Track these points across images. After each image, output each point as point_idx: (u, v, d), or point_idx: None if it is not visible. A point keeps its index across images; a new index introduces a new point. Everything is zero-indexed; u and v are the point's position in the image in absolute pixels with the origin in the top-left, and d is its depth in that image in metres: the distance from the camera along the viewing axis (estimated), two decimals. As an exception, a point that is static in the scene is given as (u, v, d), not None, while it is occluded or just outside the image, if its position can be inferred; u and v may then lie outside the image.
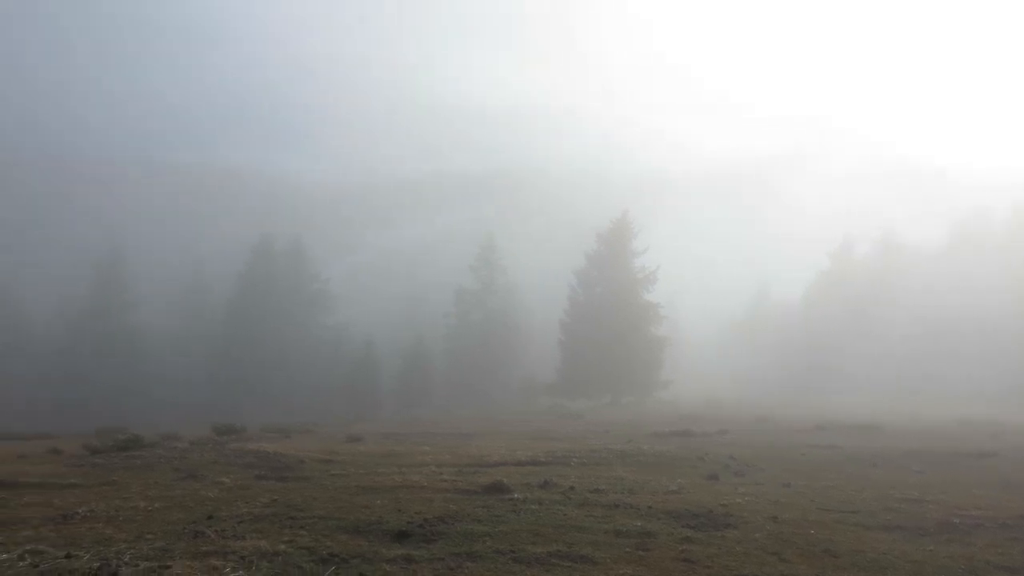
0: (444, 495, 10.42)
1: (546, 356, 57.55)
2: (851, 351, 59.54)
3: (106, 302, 60.65)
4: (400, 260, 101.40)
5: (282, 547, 7.12)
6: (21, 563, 6.40)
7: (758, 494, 11.07)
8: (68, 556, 6.61)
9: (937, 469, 14.54)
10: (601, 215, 56.66)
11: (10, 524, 8.00)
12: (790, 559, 7.21)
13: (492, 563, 6.82)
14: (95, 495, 9.99)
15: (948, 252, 61.02)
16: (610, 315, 51.78)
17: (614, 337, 51.03)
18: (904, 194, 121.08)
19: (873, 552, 7.57)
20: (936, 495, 11.15)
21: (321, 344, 61.38)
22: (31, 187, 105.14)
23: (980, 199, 65.70)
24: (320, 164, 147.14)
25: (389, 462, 14.61)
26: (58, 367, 57.81)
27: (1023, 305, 53.29)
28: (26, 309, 63.72)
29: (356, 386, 55.78)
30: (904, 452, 16.99)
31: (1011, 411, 35.85)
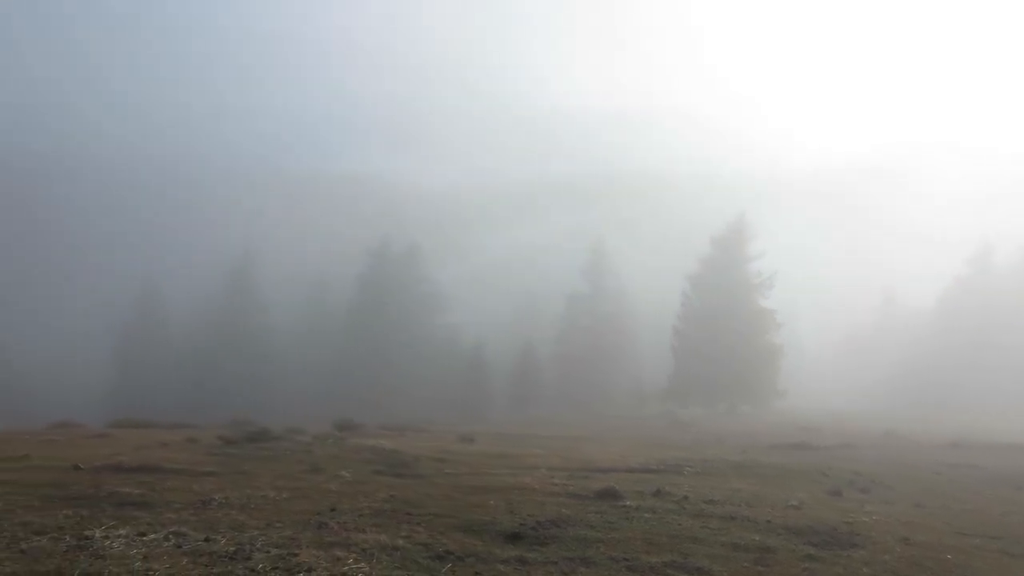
0: (556, 499, 10.45)
1: (657, 362, 56.68)
2: (989, 364, 55.24)
3: (238, 303, 64.62)
4: (511, 263, 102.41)
5: (400, 542, 7.36)
6: (166, 543, 6.91)
7: (886, 513, 10.47)
8: (207, 539, 7.08)
9: (1093, 495, 13.29)
10: (712, 218, 55.33)
11: (156, 507, 8.65)
12: (924, 584, 6.79)
13: (606, 570, 6.78)
14: (229, 483, 10.64)
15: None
16: (724, 321, 50.41)
17: (728, 344, 49.65)
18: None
19: (1019, 582, 7.01)
20: (1093, 524, 10.20)
21: (434, 345, 62.88)
22: (169, 195, 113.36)
23: None
24: (435, 168, 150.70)
25: (501, 463, 14.78)
26: (195, 363, 62.05)
27: None
28: (168, 310, 68.60)
29: (467, 387, 56.82)
30: (1054, 475, 15.63)
31: None
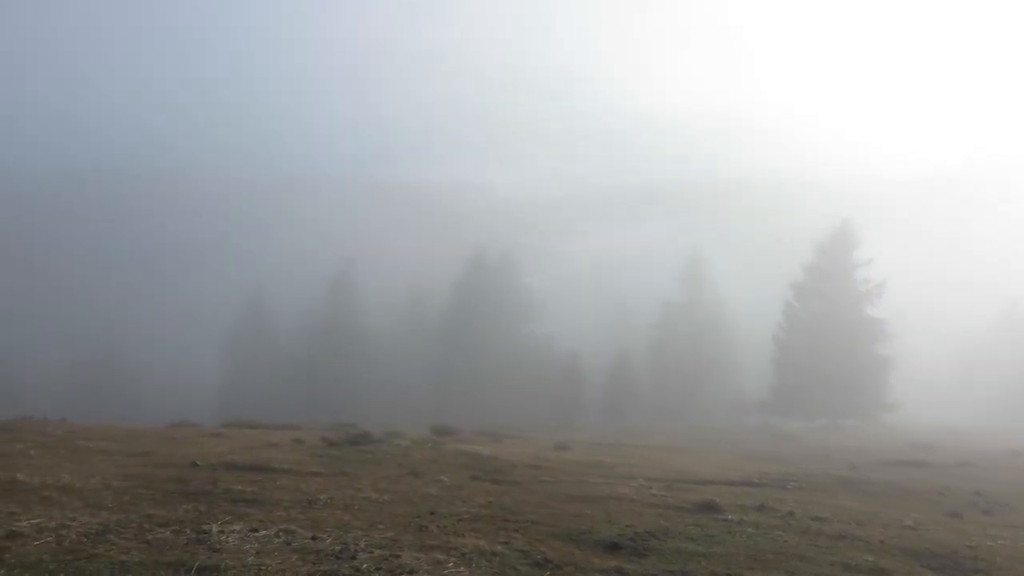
0: (654, 510, 10.28)
1: (756, 372, 55.01)
2: None
3: (340, 310, 67.00)
4: (602, 272, 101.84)
5: (499, 548, 7.40)
6: (277, 540, 7.20)
7: (1015, 538, 9.77)
8: (314, 537, 7.33)
9: None
10: (813, 224, 53.30)
11: (267, 504, 9.03)
12: (1060, 616, 6.29)
13: (708, 584, 6.62)
14: (333, 484, 11.00)
15: None
16: (830, 331, 48.45)
17: (834, 355, 47.67)
18: None
19: None
20: None
21: (528, 352, 63.22)
22: (274, 204, 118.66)
23: None
24: (529, 177, 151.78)
25: (597, 472, 14.68)
26: (299, 366, 64.67)
27: None
28: (274, 315, 71.78)
29: (561, 395, 56.78)
30: None
31: None
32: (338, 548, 6.92)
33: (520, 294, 66.53)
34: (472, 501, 10.14)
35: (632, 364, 59.10)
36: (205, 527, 7.45)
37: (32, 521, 7.05)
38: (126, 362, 70.06)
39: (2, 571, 5.64)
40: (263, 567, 6.16)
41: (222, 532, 7.30)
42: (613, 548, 7.76)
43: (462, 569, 6.55)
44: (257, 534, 7.33)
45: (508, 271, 66.89)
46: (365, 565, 6.41)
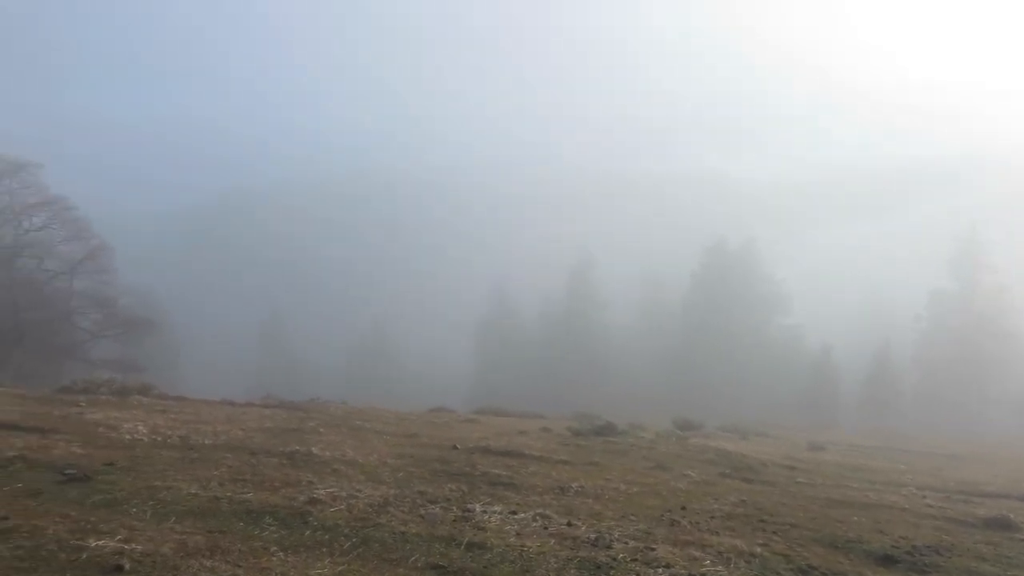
0: (932, 522, 9.28)
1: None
2: None
3: (578, 301, 68.45)
4: (856, 259, 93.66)
5: (757, 549, 7.11)
6: (534, 523, 7.53)
7: None
8: (569, 524, 7.56)
9: None
10: None
11: (522, 488, 9.48)
12: None
13: (1009, 612, 5.84)
14: (582, 473, 11.26)
15: None
16: None
17: None
18: None
19: None
20: None
21: (774, 345, 60.14)
22: (516, 198, 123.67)
23: None
24: (767, 163, 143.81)
25: (859, 477, 13.57)
26: (540, 355, 67.09)
27: None
28: (517, 306, 75.03)
29: (811, 391, 53.21)
30: None
31: None
32: (593, 536, 7.07)
33: (765, 284, 63.41)
34: (724, 499, 9.85)
35: (894, 359, 53.69)
36: (469, 506, 8.00)
37: (327, 490, 8.02)
38: (391, 350, 77.24)
39: (307, 531, 6.48)
40: (524, 548, 6.47)
41: (484, 512, 7.78)
42: (887, 561, 7.12)
43: (719, 568, 6.39)
44: (516, 516, 7.72)
45: (750, 261, 64.03)
46: (621, 555, 6.48)
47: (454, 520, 7.35)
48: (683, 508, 8.95)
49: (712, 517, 8.52)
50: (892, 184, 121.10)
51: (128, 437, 10.63)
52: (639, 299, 72.85)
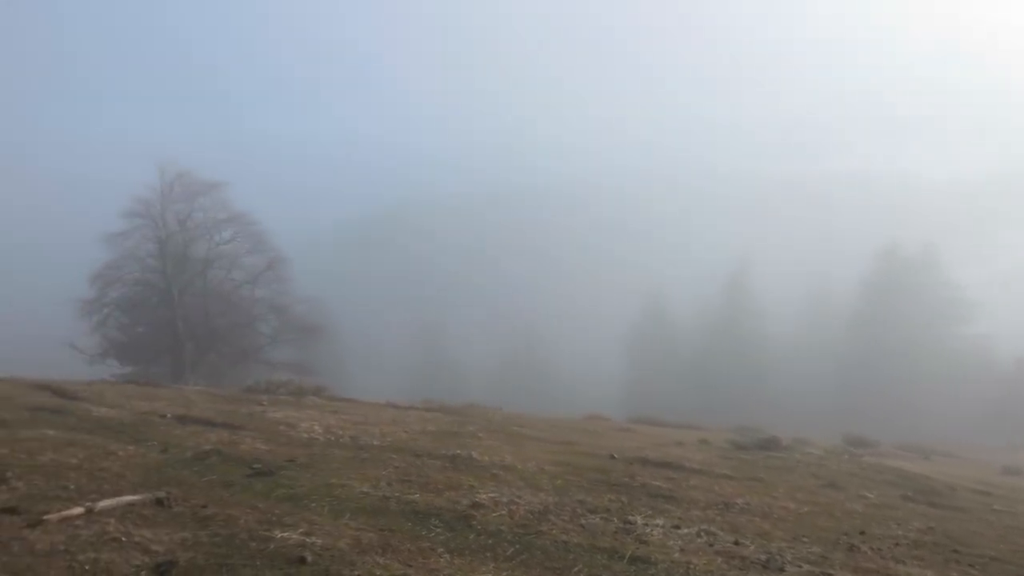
0: None
1: None
2: None
3: (736, 311, 65.96)
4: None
5: (952, 583, 6.48)
6: (699, 539, 7.26)
7: None
8: (736, 543, 7.22)
9: None
10: None
11: (683, 502, 9.19)
12: None
13: None
14: (746, 488, 10.77)
15: None
16: None
17: None
18: None
19: None
20: None
21: (958, 358, 54.98)
22: (667, 206, 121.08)
23: None
24: (945, 159, 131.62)
25: (1069, 507, 12.06)
26: (695, 365, 65.19)
27: None
28: (672, 315, 73.39)
29: (1004, 408, 48.16)
30: None
31: None
32: (764, 557, 6.72)
33: (946, 291, 58.21)
34: (907, 524, 9.08)
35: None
36: (630, 518, 7.84)
37: (489, 495, 8.15)
38: (543, 355, 77.97)
39: (471, 535, 6.61)
40: (691, 566, 6.24)
41: (646, 525, 7.60)
42: (1113, 607, 6.25)
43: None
44: (679, 531, 7.48)
45: (930, 266, 59.06)
46: (796, 580, 6.12)
47: (615, 532, 7.24)
48: (862, 532, 8.33)
49: (896, 544, 7.87)
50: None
51: (305, 436, 11.38)
52: (802, 308, 69.14)
